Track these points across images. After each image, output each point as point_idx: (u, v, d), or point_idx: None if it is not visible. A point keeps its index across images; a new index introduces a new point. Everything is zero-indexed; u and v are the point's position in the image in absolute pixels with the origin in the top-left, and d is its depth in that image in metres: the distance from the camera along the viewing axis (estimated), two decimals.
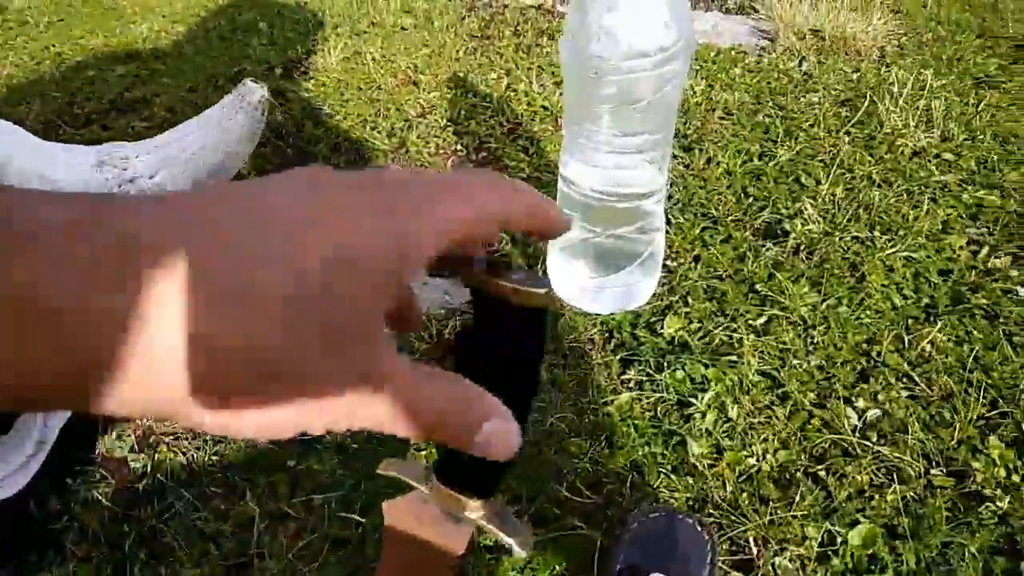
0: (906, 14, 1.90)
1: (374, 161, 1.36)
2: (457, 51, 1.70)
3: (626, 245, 0.93)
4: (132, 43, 1.87)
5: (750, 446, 0.82)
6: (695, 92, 1.50)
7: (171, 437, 0.85)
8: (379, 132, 1.43)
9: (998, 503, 0.75)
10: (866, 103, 1.42)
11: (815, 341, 0.95)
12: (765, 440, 0.83)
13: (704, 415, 0.85)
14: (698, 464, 0.81)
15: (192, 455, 0.84)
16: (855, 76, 1.57)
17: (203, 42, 1.86)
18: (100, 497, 0.79)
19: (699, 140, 1.35)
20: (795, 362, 0.92)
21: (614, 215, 0.90)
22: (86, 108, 1.54)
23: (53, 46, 1.88)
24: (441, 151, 1.38)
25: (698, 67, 1.59)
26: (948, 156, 1.30)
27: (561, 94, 1.48)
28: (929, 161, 1.29)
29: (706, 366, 0.91)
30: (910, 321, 0.97)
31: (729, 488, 0.78)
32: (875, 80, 1.55)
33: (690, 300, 1.00)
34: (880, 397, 0.87)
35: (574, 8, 0.82)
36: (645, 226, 0.93)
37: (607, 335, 0.97)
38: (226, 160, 0.68)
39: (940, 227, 1.13)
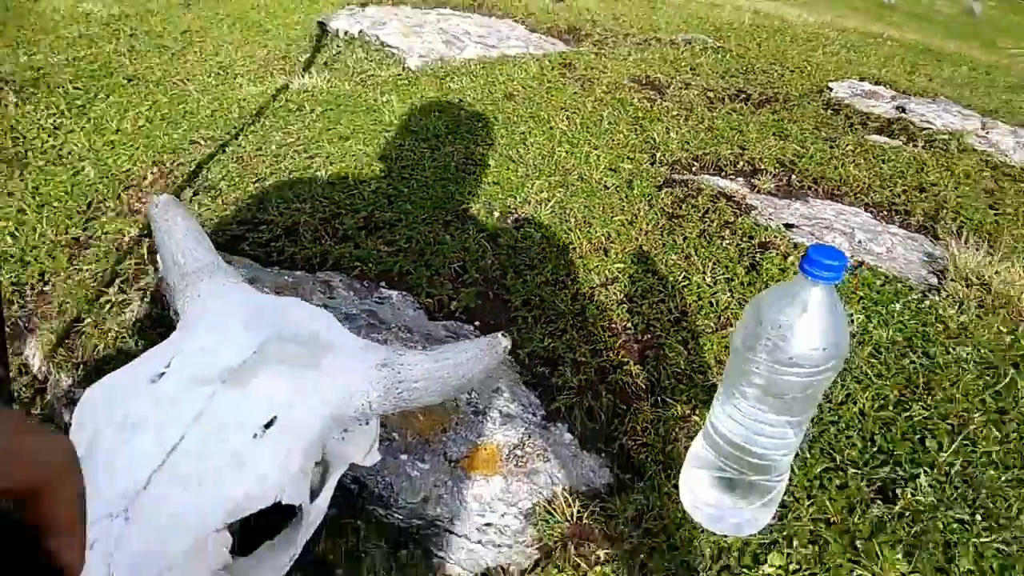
0: None
1: (558, 322, 1.62)
2: (648, 224, 1.95)
3: (754, 487, 1.13)
4: (386, 154, 2.25)
5: None
6: (852, 322, 1.66)
7: None
8: (567, 295, 1.69)
9: None
10: (1007, 378, 1.53)
11: None
12: None
13: None
14: None
15: None
16: (1008, 339, 1.67)
17: (441, 172, 2.21)
18: None
19: (842, 375, 1.51)
20: None
21: (749, 464, 1.10)
22: (345, 224, 1.90)
23: (322, 144, 2.30)
24: (613, 326, 1.62)
25: (861, 295, 1.75)
26: None
27: (729, 293, 1.70)
28: None
29: None
30: None
31: None
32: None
33: (795, 542, 1.18)
34: None
35: (753, 309, 1.04)
36: (773, 476, 1.12)
37: (716, 553, 1.17)
38: (453, 391, 0.92)
39: None
